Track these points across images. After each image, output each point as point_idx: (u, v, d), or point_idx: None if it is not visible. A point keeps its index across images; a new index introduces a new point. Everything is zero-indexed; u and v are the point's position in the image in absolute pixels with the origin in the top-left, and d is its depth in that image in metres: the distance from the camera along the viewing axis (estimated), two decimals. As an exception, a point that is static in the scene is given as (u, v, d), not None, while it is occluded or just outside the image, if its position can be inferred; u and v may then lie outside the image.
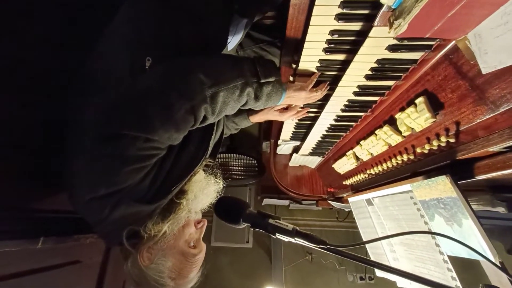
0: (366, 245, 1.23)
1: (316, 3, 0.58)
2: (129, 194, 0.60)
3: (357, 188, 1.22)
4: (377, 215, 1.09)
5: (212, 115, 0.67)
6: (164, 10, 0.74)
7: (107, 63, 0.72)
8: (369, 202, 1.14)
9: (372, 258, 1.20)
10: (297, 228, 0.63)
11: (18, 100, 0.66)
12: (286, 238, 0.63)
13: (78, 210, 0.65)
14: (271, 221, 0.65)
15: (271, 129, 1.54)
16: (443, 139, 0.63)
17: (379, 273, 1.14)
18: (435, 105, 0.63)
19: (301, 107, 0.99)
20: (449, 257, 0.75)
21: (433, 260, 0.81)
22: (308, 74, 0.80)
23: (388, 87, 0.77)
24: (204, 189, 0.76)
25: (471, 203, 0.65)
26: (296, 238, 0.62)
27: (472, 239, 0.63)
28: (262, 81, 0.68)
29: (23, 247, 0.64)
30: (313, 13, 0.60)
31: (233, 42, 0.95)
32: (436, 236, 0.78)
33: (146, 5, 0.75)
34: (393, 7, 0.46)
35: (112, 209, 0.59)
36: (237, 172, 2.14)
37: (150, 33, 0.72)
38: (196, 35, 0.78)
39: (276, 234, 0.64)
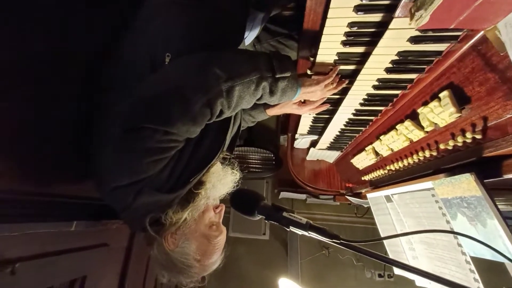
0: (384, 242, 1.20)
1: (334, -6, 0.57)
2: (150, 183, 0.64)
3: (376, 184, 1.19)
4: (396, 212, 1.06)
5: (228, 109, 0.68)
6: (182, 7, 0.77)
7: (129, 60, 0.76)
8: (388, 198, 1.11)
9: (391, 255, 1.18)
10: (311, 222, 0.64)
11: (50, 95, 0.71)
12: (299, 231, 0.64)
13: (104, 197, 0.70)
14: (285, 214, 0.66)
15: (289, 123, 1.53)
16: (469, 135, 0.60)
17: (397, 271, 1.12)
18: (460, 99, 0.60)
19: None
20: (473, 258, 0.72)
21: (455, 260, 0.79)
22: (326, 67, 0.79)
23: (411, 80, 0.74)
24: (221, 180, 0.79)
25: (498, 203, 0.61)
26: (309, 232, 0.63)
27: (497, 240, 0.60)
28: (277, 76, 0.68)
29: (59, 229, 0.72)
30: (331, 6, 0.59)
31: (250, 36, 0.96)
32: (458, 236, 0.75)
33: (166, 2, 0.78)
34: (414, -3, 0.44)
35: (135, 197, 0.64)
36: (254, 165, 2.16)
37: (168, 30, 0.75)
38: (214, 31, 0.79)
39: (290, 227, 0.65)
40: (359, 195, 1.49)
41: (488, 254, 0.63)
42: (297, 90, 0.74)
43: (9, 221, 0.60)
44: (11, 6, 0.61)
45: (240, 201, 0.72)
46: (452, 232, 0.73)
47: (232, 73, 0.64)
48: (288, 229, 0.65)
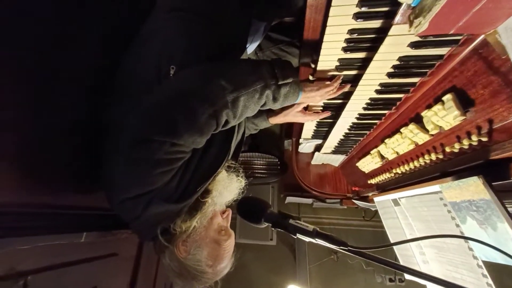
0: (394, 247, 1.19)
1: (332, 4, 0.57)
2: (159, 194, 0.65)
3: (383, 188, 1.18)
4: (405, 215, 1.05)
5: (234, 119, 0.69)
6: (185, 21, 0.79)
7: (137, 72, 0.78)
8: (395, 202, 1.10)
9: (400, 260, 1.16)
10: (318, 228, 0.64)
11: (59, 106, 0.73)
12: (306, 239, 0.64)
13: (114, 208, 0.71)
14: (291, 221, 0.66)
15: (293, 128, 1.53)
16: (474, 138, 0.60)
17: (408, 275, 1.10)
18: (464, 102, 0.60)
19: (322, 110, 0.98)
20: (485, 262, 0.71)
21: (466, 264, 0.77)
22: (327, 73, 0.80)
23: (413, 84, 0.74)
24: (227, 187, 0.81)
25: (508, 206, 0.60)
26: (316, 239, 0.63)
27: (508, 243, 0.59)
28: (280, 82, 0.69)
29: (69, 240, 0.73)
30: (330, 14, 0.60)
31: (252, 45, 0.97)
32: (468, 240, 0.74)
33: (169, 16, 0.80)
34: (412, 5, 0.45)
35: (144, 208, 0.65)
36: (259, 171, 2.16)
37: (173, 43, 0.76)
38: (216, 42, 0.81)
39: (297, 234, 0.65)
40: (366, 199, 1.48)
41: (500, 258, 0.61)
42: (298, 94, 0.75)
43: (20, 234, 0.61)
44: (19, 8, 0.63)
45: (246, 209, 0.72)
46: (461, 237, 0.71)
47: (237, 84, 0.65)
48: (295, 237, 0.65)
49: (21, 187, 0.63)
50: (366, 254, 0.59)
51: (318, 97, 0.79)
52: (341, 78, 0.78)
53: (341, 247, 0.60)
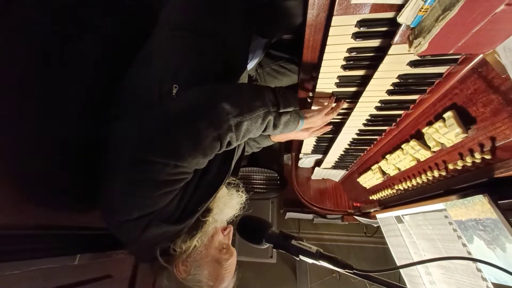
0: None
1: (332, 24, 0.59)
2: (158, 215, 0.63)
3: (385, 204, 1.16)
4: (409, 233, 1.02)
5: (236, 141, 0.69)
6: (191, 40, 0.80)
7: (138, 88, 0.77)
8: (399, 219, 1.07)
9: (406, 280, 1.12)
10: (321, 250, 0.62)
11: (53, 121, 0.71)
12: (310, 260, 0.62)
13: (112, 229, 0.69)
14: (294, 242, 0.64)
15: (292, 142, 1.53)
16: (477, 155, 0.59)
17: (414, 296, 1.05)
18: (466, 120, 0.60)
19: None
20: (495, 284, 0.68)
21: (475, 286, 0.74)
22: (327, 91, 0.80)
23: (413, 101, 0.74)
24: (228, 203, 0.79)
25: (516, 225, 0.59)
26: (320, 261, 0.61)
27: (519, 265, 0.57)
28: (281, 110, 0.70)
29: (62, 263, 0.70)
30: (330, 34, 0.61)
31: (252, 62, 0.98)
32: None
33: (173, 34, 0.81)
34: (411, 26, 0.46)
35: (143, 230, 0.63)
36: (259, 186, 2.13)
37: (176, 62, 0.77)
38: (220, 61, 0.82)
39: (300, 256, 0.63)
40: (367, 215, 1.45)
41: (511, 281, 0.59)
42: (299, 122, 0.76)
43: (12, 258, 0.58)
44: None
45: (247, 230, 0.70)
46: (469, 258, 0.69)
47: (242, 109, 0.65)
48: (298, 258, 0.63)
49: (12, 208, 0.60)
50: (372, 277, 0.57)
51: (319, 121, 0.81)
52: (334, 99, 0.81)
53: (346, 270, 0.57)
